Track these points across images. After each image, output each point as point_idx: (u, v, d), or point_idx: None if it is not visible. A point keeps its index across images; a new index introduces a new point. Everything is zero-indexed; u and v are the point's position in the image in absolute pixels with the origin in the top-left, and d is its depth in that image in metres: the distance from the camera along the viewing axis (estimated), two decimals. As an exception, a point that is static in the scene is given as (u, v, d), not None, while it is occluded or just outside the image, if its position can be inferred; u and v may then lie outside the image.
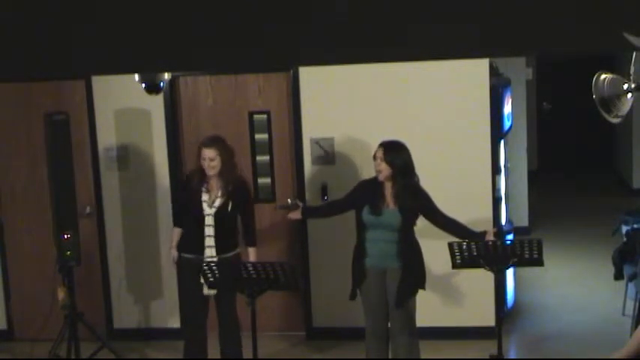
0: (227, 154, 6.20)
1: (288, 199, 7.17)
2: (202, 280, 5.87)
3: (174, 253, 6.35)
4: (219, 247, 6.18)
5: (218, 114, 7.34)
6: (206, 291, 6.14)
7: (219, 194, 6.18)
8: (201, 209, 6.17)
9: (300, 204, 6.34)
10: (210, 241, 6.16)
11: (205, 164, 6.14)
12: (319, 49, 3.22)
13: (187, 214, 6.30)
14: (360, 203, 5.93)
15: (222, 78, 7.29)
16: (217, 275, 5.62)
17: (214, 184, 6.20)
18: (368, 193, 5.92)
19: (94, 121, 7.32)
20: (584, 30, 3.04)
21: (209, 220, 6.16)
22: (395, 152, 5.84)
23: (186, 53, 3.23)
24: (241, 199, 6.27)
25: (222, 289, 6.11)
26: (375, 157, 5.88)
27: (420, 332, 6.09)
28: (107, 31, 3.19)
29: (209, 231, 6.16)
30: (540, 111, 13.73)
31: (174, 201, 6.98)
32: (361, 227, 5.94)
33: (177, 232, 6.40)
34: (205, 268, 5.66)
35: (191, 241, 6.24)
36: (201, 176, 6.21)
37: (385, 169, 5.82)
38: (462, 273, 6.46)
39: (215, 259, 6.07)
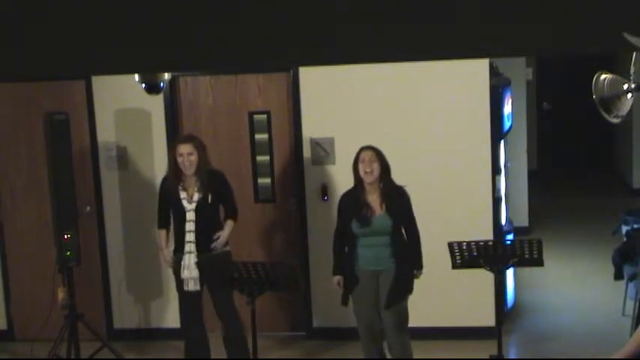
0: (202, 149, 6.25)
1: None
2: (182, 277, 6.12)
3: (166, 253, 6.37)
4: (205, 243, 6.20)
5: (218, 114, 7.34)
6: (186, 287, 6.19)
7: (197, 189, 6.21)
8: (182, 207, 6.20)
9: (338, 280, 6.00)
10: (190, 237, 6.18)
11: (183, 160, 6.17)
12: (319, 49, 3.22)
13: (171, 214, 6.34)
14: (348, 216, 5.91)
15: (222, 78, 7.30)
16: (201, 273, 5.68)
17: (190, 180, 6.23)
18: (352, 205, 5.90)
19: (94, 121, 7.33)
20: (584, 30, 3.04)
21: (190, 216, 6.19)
22: (381, 154, 5.89)
23: (186, 53, 3.24)
24: (219, 188, 6.30)
25: (213, 289, 6.17)
26: (361, 161, 5.85)
27: (420, 332, 6.10)
28: (107, 31, 3.19)
29: (190, 226, 6.18)
30: (540, 111, 13.73)
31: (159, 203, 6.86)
32: (351, 236, 5.91)
33: (162, 234, 6.43)
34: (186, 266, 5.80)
35: (179, 241, 6.27)
36: (177, 175, 6.23)
37: (376, 170, 5.83)
38: (462, 273, 6.45)
39: (195, 259, 6.12)
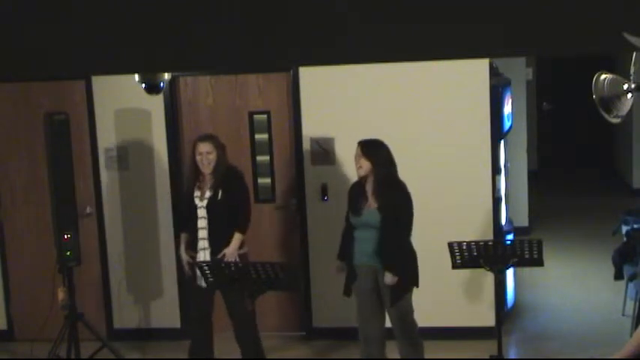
0: (221, 149, 6.26)
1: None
2: (198, 273, 6.00)
3: (184, 257, 6.35)
4: (217, 243, 6.19)
5: (218, 114, 7.34)
6: (199, 280, 6.15)
7: (210, 186, 6.22)
8: (194, 205, 6.22)
9: (341, 265, 6.12)
10: (202, 234, 6.20)
11: (202, 159, 6.17)
12: (319, 49, 3.22)
13: (189, 214, 6.33)
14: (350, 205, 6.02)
15: (222, 78, 7.29)
16: (213, 274, 5.64)
17: (207, 179, 6.25)
18: (354, 194, 6.00)
19: (94, 121, 7.32)
20: (584, 30, 3.04)
21: (201, 213, 6.20)
22: (373, 147, 5.90)
23: (186, 53, 3.24)
24: (231, 185, 6.26)
25: (225, 290, 6.15)
26: (354, 158, 5.93)
27: (420, 332, 6.09)
28: (107, 31, 3.19)
29: (202, 223, 6.20)
30: (540, 111, 13.73)
31: (179, 206, 6.92)
32: (351, 227, 5.98)
33: (183, 237, 6.42)
34: (203, 267, 5.72)
35: (193, 240, 6.27)
36: (195, 174, 6.25)
37: (365, 164, 5.86)
38: (462, 273, 6.46)
39: (209, 255, 6.12)
